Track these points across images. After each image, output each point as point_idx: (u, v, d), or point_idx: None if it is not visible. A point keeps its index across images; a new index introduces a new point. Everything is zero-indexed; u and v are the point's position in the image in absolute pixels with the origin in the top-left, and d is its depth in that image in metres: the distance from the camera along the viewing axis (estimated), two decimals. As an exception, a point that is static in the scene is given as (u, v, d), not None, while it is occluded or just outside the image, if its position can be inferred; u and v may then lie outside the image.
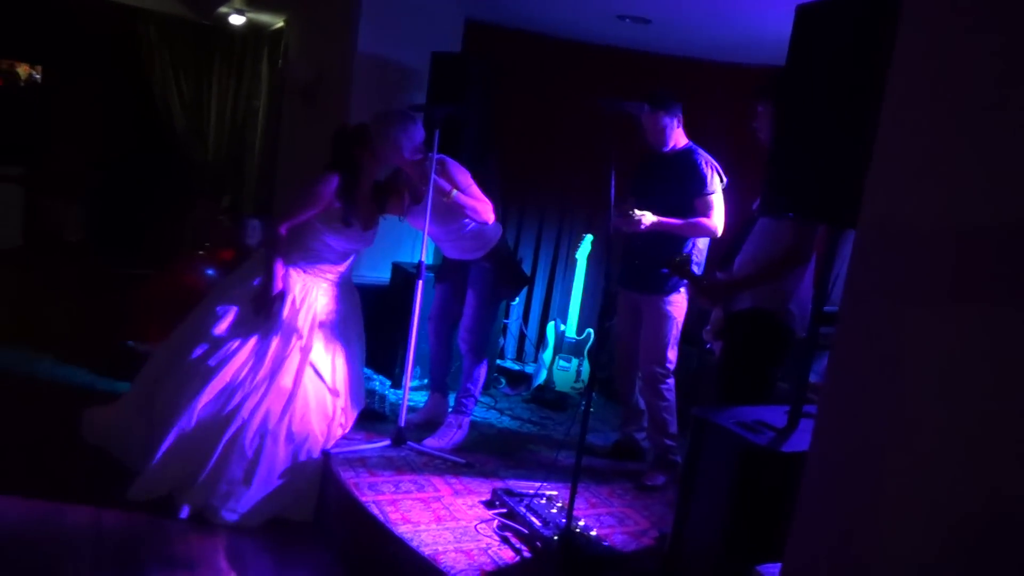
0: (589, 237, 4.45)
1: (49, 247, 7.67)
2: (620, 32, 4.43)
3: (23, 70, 9.55)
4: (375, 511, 2.77)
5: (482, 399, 4.16)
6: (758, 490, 2.03)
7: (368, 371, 4.25)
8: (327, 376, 3.24)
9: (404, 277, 4.21)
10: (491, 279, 3.49)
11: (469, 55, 4.50)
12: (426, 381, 4.04)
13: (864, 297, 1.50)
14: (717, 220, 3.29)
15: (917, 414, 1.37)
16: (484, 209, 3.30)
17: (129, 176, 8.88)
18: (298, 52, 5.78)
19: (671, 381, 3.42)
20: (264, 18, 6.54)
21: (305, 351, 3.17)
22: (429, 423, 3.65)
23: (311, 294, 3.25)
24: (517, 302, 4.91)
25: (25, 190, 7.51)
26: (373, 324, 4.46)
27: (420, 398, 3.98)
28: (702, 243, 3.41)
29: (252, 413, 3.00)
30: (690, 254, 3.25)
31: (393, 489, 2.98)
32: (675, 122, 3.36)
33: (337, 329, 3.33)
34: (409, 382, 3.40)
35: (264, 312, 3.12)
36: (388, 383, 4.16)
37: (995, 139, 1.28)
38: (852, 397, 1.50)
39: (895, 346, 1.42)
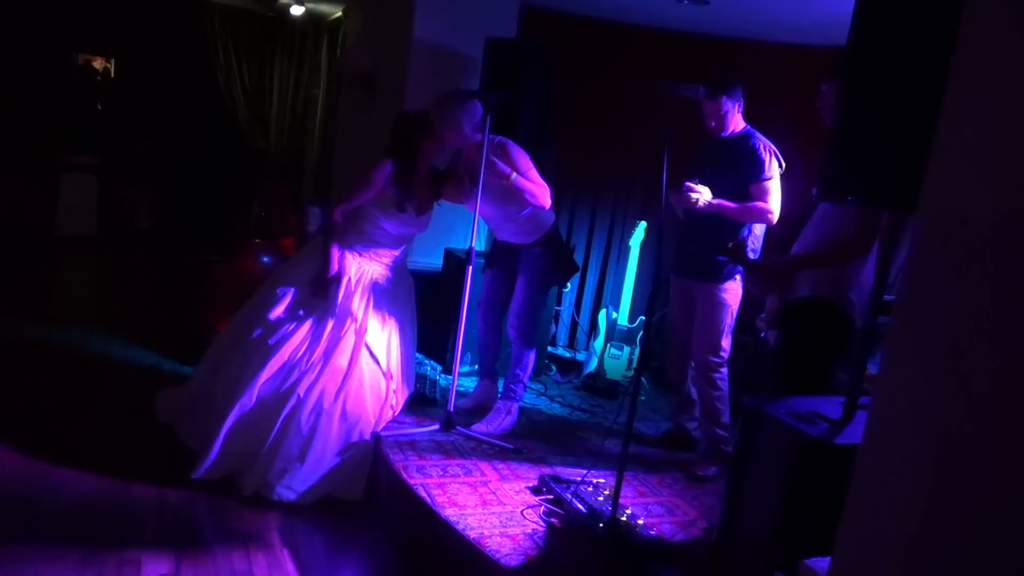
0: (643, 224, 4.38)
1: (122, 234, 7.99)
2: (679, 14, 4.33)
3: (98, 63, 9.97)
4: (423, 493, 2.80)
5: (532, 386, 4.16)
6: (810, 482, 1.96)
7: (419, 356, 4.29)
8: (381, 358, 3.29)
9: (456, 263, 4.23)
10: (541, 264, 3.49)
11: (524, 40, 4.48)
12: (476, 367, 4.06)
13: (923, 285, 1.43)
14: (773, 205, 3.20)
15: (978, 405, 1.30)
16: (542, 194, 3.29)
17: (197, 165, 9.18)
18: (356, 41, 5.84)
19: (725, 370, 3.36)
20: (323, 8, 6.64)
21: (360, 333, 3.22)
22: (478, 408, 3.67)
23: (366, 277, 3.31)
24: (569, 289, 4.88)
25: (99, 179, 7.82)
26: (425, 310, 4.50)
27: (470, 383, 4.01)
28: (759, 230, 3.32)
29: (308, 391, 3.06)
30: (745, 239, 3.17)
31: (441, 473, 3.00)
32: (736, 106, 3.27)
33: (392, 312, 3.38)
34: (459, 367, 3.42)
35: (320, 293, 3.20)
36: (439, 368, 4.19)
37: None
38: (908, 386, 1.43)
39: (957, 335, 1.35)
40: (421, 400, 3.72)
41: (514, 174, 3.22)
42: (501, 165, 3.21)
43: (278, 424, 3.02)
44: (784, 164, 3.24)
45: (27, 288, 5.71)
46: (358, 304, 3.25)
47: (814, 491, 1.97)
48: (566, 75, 4.54)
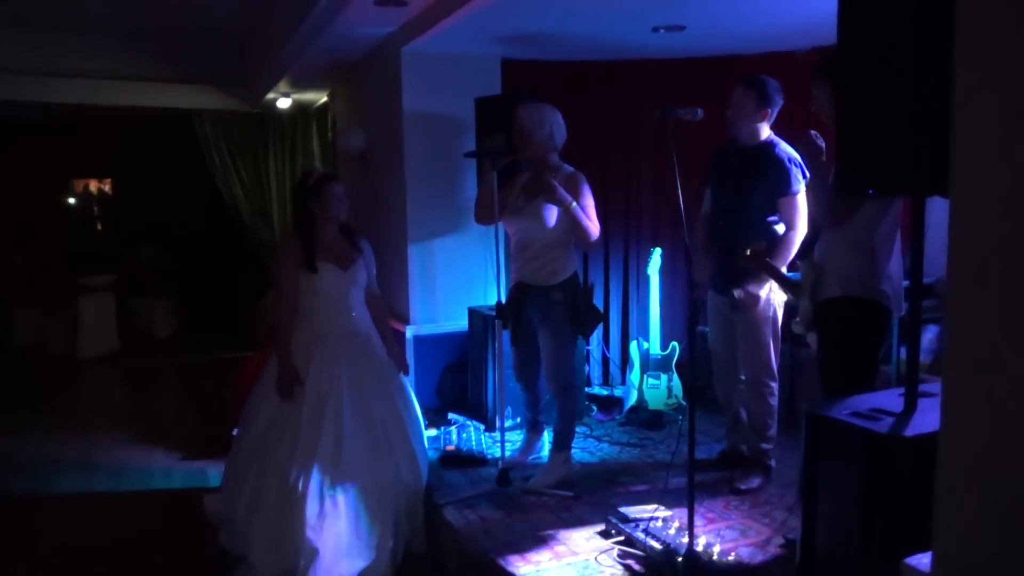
0: (658, 250, 4.40)
1: (143, 346, 8.05)
2: (656, 43, 4.42)
3: (93, 186, 10.25)
4: (493, 555, 2.76)
5: (578, 429, 4.11)
6: (888, 480, 1.93)
7: (461, 417, 4.29)
8: (365, 427, 3.17)
9: (481, 321, 4.24)
10: (563, 313, 3.36)
11: (510, 94, 4.57)
12: (519, 420, 4.04)
13: (969, 262, 1.43)
14: (802, 224, 3.15)
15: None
16: (593, 230, 3.31)
17: (206, 266, 9.32)
18: (345, 122, 5.98)
19: (775, 385, 3.31)
20: (309, 96, 6.81)
21: (338, 410, 3.13)
22: (530, 460, 3.63)
23: (328, 354, 3.20)
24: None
25: (115, 295, 7.93)
26: (459, 370, 4.52)
27: (516, 438, 3.98)
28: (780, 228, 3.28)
29: (307, 484, 2.99)
30: (763, 245, 3.07)
31: (507, 531, 2.96)
32: (766, 113, 3.21)
33: (368, 375, 3.27)
34: (503, 423, 3.39)
35: (287, 394, 3.12)
36: (482, 427, 4.17)
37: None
38: (974, 367, 1.42)
39: (1015, 306, 1.35)
40: (470, 460, 3.69)
41: (574, 203, 3.24)
42: (562, 191, 3.22)
43: (291, 524, 2.97)
44: (807, 174, 3.21)
45: (60, 412, 5.73)
46: (328, 384, 3.16)
47: (894, 488, 1.94)
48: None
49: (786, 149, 3.22)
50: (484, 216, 3.44)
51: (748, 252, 3.01)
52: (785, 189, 3.17)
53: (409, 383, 3.48)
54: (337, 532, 2.97)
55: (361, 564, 3.00)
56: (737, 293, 3.20)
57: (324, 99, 6.73)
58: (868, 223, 2.69)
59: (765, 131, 3.27)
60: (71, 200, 10.08)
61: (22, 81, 6.23)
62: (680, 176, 2.59)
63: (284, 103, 6.84)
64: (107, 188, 10.22)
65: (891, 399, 2.18)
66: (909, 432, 1.92)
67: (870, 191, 2.07)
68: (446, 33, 4.05)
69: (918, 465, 1.74)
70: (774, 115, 3.26)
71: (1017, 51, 1.32)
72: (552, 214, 3.31)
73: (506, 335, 3.55)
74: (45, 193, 9.46)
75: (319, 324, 3.25)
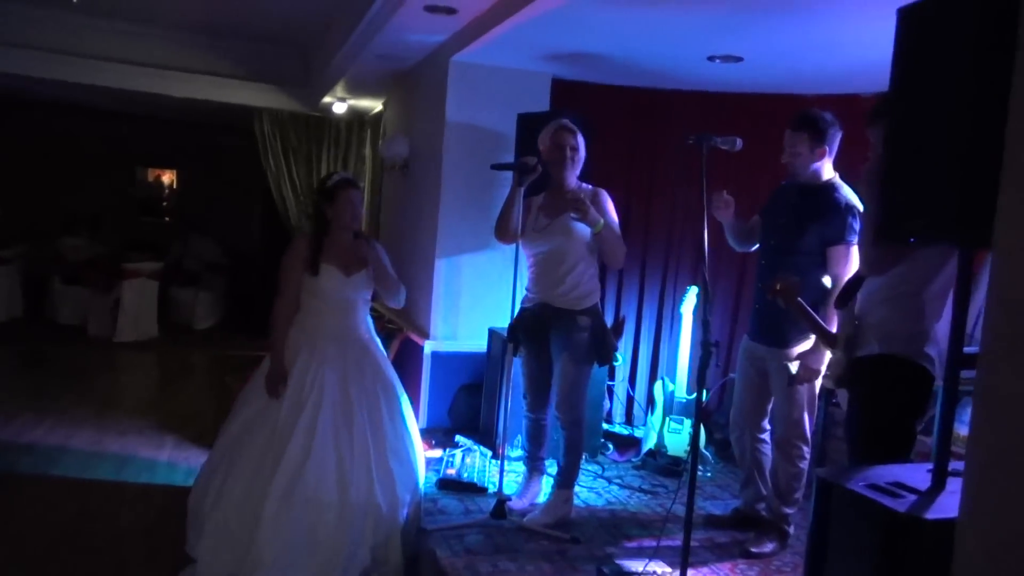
0: (694, 289, 4.19)
1: (181, 336, 8.14)
2: (712, 75, 4.26)
3: (167, 177, 10.55)
4: (472, 593, 2.59)
5: (588, 467, 3.91)
6: (902, 565, 1.70)
7: (470, 440, 4.13)
8: (340, 439, 3.01)
9: (500, 342, 4.09)
10: (589, 340, 3.20)
11: (555, 112, 4.45)
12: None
13: (1014, 329, 1.23)
14: (846, 277, 2.84)
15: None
16: (621, 250, 3.20)
17: (255, 263, 9.42)
18: (393, 130, 5.97)
19: (807, 449, 3.04)
20: (365, 103, 6.83)
21: (314, 417, 2.99)
22: (531, 506, 3.43)
23: (316, 356, 3.10)
24: (621, 362, 4.68)
25: (159, 283, 8.06)
26: (474, 392, 4.37)
27: (521, 469, 3.79)
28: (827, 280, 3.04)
29: (267, 488, 2.85)
30: (797, 281, 2.70)
31: (491, 568, 2.78)
32: (823, 152, 2.97)
33: (355, 391, 3.11)
34: (507, 452, 3.21)
35: (275, 392, 3.03)
36: (489, 453, 4.00)
37: None
38: (1004, 449, 1.21)
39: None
40: (468, 488, 3.52)
41: (601, 220, 3.10)
42: (594, 211, 3.09)
43: (246, 527, 2.83)
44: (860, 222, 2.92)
45: (82, 393, 5.74)
46: (310, 387, 3.04)
47: (908, 575, 1.70)
48: (602, 143, 4.47)
49: (847, 195, 2.96)
50: (504, 232, 3.29)
51: (778, 286, 2.73)
52: (837, 238, 2.91)
53: (409, 400, 3.32)
54: (287, 544, 2.81)
55: None
56: (793, 368, 2.94)
57: (379, 108, 6.75)
58: (920, 278, 2.45)
59: (828, 171, 3.02)
60: (137, 188, 10.36)
61: (100, 67, 6.40)
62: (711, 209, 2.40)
63: (340, 108, 6.88)
64: (174, 179, 10.51)
65: (918, 474, 1.93)
66: (931, 514, 1.68)
67: (911, 240, 1.85)
68: (495, 45, 3.97)
69: (937, 552, 1.52)
70: (835, 151, 3.02)
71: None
72: (584, 231, 3.16)
73: (516, 360, 3.39)
74: (112, 179, 9.76)
75: (313, 325, 3.15)
